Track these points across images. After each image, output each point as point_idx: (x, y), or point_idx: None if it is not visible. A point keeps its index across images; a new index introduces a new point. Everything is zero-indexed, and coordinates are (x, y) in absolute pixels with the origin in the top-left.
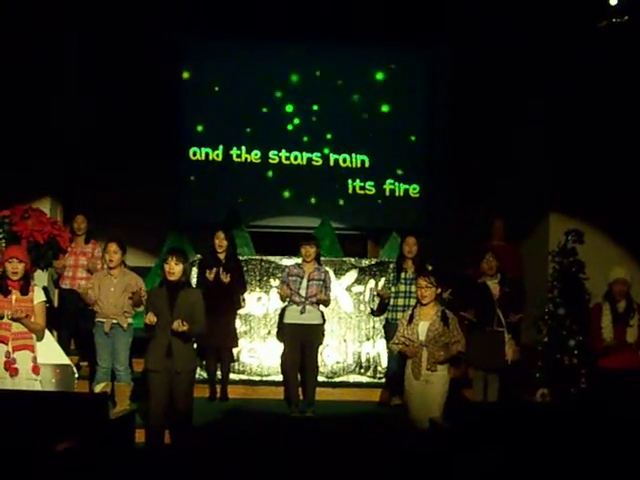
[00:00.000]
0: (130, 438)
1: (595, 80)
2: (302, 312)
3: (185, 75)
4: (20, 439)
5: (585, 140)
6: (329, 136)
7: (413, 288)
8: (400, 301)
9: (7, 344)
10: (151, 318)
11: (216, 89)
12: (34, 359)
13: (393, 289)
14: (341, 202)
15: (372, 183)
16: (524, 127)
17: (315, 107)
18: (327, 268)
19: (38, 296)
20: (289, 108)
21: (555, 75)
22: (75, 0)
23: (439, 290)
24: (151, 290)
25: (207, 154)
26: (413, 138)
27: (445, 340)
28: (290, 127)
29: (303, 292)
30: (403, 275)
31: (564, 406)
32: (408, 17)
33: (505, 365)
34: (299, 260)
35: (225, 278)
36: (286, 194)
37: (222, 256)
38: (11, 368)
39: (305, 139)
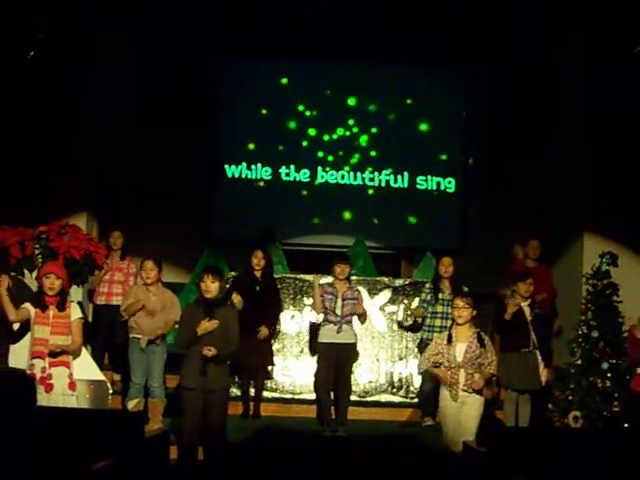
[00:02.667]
0: (165, 457)
1: (636, 100)
2: (339, 332)
3: (222, 94)
4: (57, 458)
5: (623, 161)
6: (363, 155)
7: (450, 309)
8: (437, 322)
9: (44, 359)
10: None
11: (253, 108)
12: (70, 375)
13: (430, 309)
14: (375, 221)
15: (406, 202)
16: (561, 147)
17: (349, 128)
18: (360, 287)
19: (75, 313)
20: (323, 127)
21: (593, 94)
22: (111, 19)
23: (475, 312)
24: (187, 307)
25: (242, 172)
26: (446, 157)
27: (480, 362)
28: (324, 146)
29: (339, 311)
30: (441, 296)
31: (598, 431)
32: (443, 36)
33: (539, 387)
34: (330, 279)
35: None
36: (320, 212)
37: (258, 274)
38: (46, 384)
39: (340, 158)
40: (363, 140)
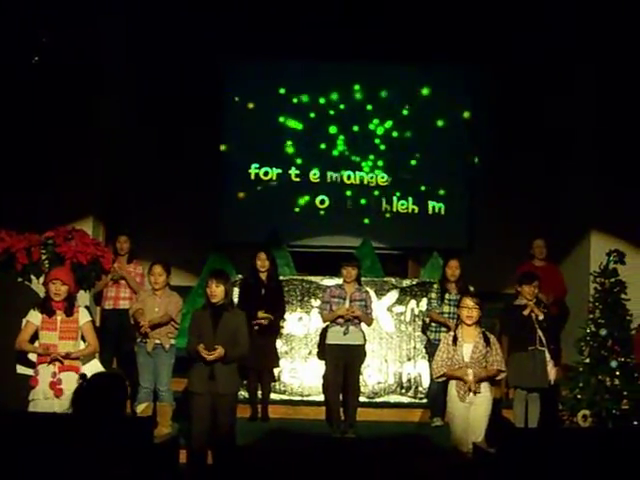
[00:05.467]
0: (175, 462)
1: None
2: (345, 333)
3: (227, 95)
4: (68, 464)
5: (630, 160)
6: (368, 155)
7: (457, 309)
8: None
9: (53, 365)
10: (202, 351)
11: (258, 109)
12: (79, 380)
13: (437, 310)
14: (381, 221)
15: (412, 202)
16: (567, 145)
17: (355, 127)
18: (368, 288)
19: (83, 316)
20: (331, 128)
21: (600, 92)
22: (118, 28)
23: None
24: (195, 312)
25: (250, 173)
26: (454, 157)
27: (487, 361)
28: (331, 146)
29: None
30: (447, 296)
31: (607, 430)
32: (448, 36)
33: (548, 385)
34: (340, 281)
35: (265, 321)
36: (326, 213)
37: (264, 276)
38: (56, 389)
39: (344, 158)
40: (370, 140)
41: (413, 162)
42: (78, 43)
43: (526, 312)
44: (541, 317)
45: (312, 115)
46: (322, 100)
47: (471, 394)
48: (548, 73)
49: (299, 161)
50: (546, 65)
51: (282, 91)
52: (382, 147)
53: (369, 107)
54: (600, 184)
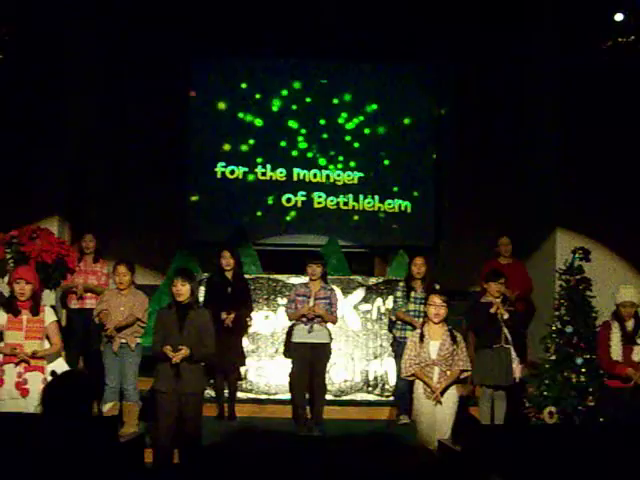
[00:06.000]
0: (140, 461)
1: (605, 96)
2: (310, 331)
3: (194, 93)
4: (33, 464)
5: (595, 157)
6: (335, 153)
7: (422, 307)
8: (409, 320)
9: (19, 365)
10: (169, 352)
11: (221, 107)
12: (44, 380)
13: (403, 309)
14: (348, 220)
15: (379, 200)
16: (532, 143)
17: (322, 122)
18: (334, 286)
19: (49, 316)
20: (294, 125)
21: (563, 90)
22: (83, 28)
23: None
24: (160, 311)
25: (216, 172)
26: (421, 155)
27: (453, 359)
28: (296, 144)
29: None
30: (413, 294)
31: (573, 426)
32: (410, 35)
33: (513, 382)
34: (306, 279)
35: (228, 320)
36: (293, 212)
37: (229, 275)
38: (22, 389)
39: (311, 156)
40: (337, 139)
41: (383, 161)
42: (46, 42)
43: (493, 310)
44: (506, 316)
45: (277, 114)
46: (286, 99)
47: (437, 391)
48: (513, 73)
49: (265, 159)
50: (511, 65)
51: (247, 90)
52: (349, 145)
53: (336, 101)
54: (565, 182)
